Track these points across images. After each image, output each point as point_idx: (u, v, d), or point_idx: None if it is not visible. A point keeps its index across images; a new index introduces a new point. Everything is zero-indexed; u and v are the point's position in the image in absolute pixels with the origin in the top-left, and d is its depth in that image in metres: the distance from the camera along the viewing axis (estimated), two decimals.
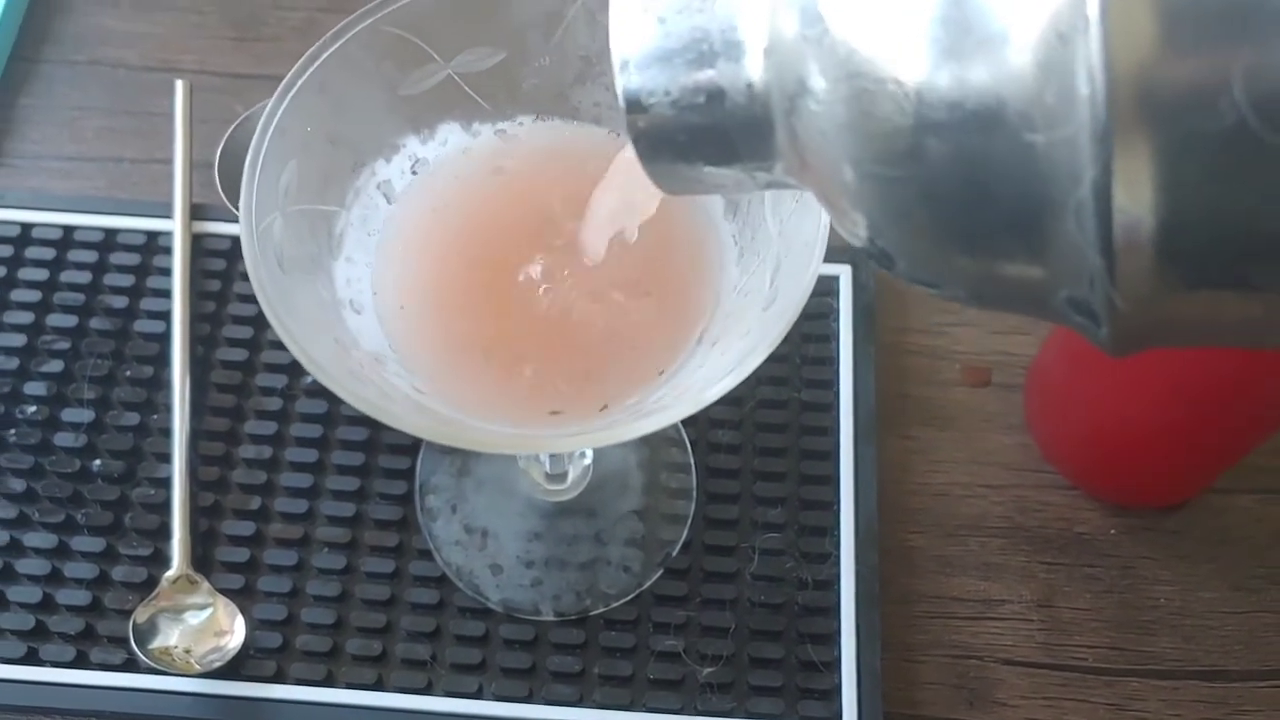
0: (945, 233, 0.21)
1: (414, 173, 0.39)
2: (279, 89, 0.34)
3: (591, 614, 0.47)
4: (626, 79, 0.24)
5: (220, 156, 0.47)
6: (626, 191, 0.33)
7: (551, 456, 0.47)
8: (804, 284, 0.32)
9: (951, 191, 0.20)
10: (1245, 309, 0.19)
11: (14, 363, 0.51)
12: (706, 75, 0.23)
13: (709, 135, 0.24)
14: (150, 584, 0.47)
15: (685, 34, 0.23)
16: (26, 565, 0.47)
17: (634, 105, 0.24)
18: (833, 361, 0.52)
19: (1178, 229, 0.18)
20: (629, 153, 0.31)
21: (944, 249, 0.21)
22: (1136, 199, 0.18)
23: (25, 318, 0.52)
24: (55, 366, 0.51)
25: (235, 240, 0.54)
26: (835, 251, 0.54)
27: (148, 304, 0.53)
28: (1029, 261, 0.20)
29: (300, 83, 0.34)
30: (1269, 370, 0.40)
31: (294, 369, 0.52)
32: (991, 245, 0.20)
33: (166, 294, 0.53)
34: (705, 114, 0.23)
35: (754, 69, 0.23)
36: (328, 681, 0.46)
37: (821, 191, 0.24)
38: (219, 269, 0.54)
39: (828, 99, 0.21)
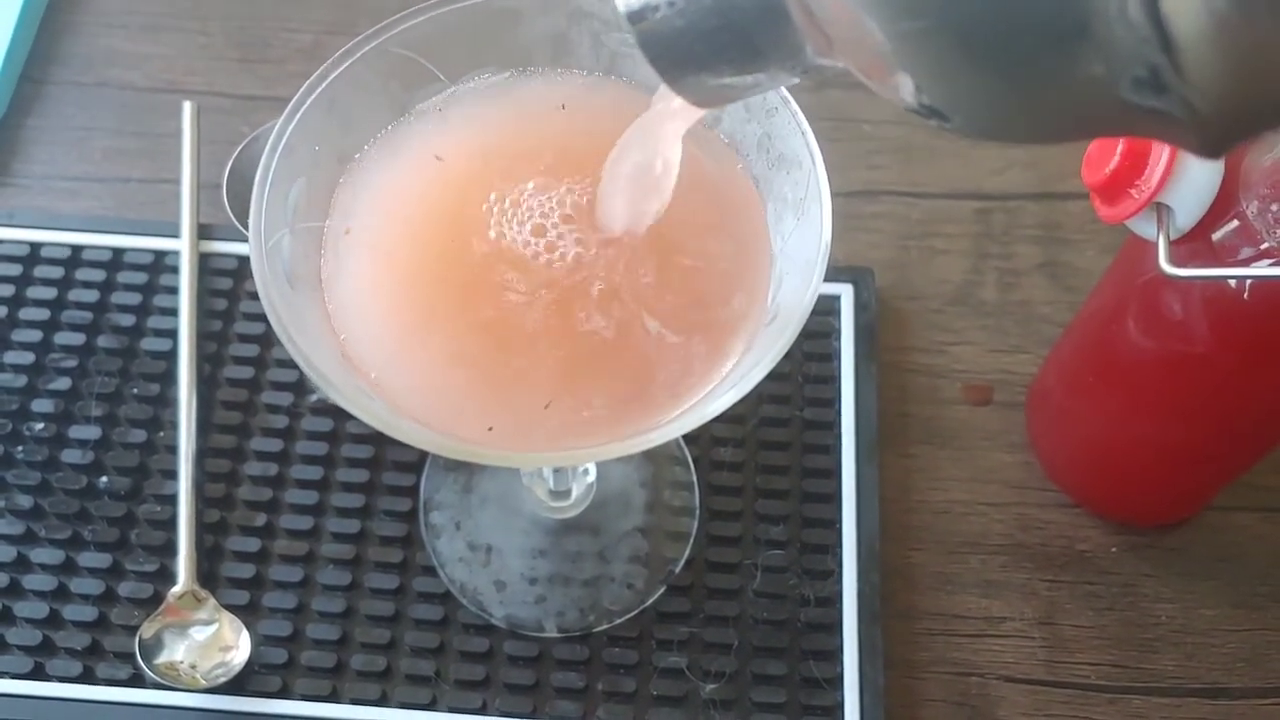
0: (993, 71, 0.19)
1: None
2: (288, 108, 0.34)
3: (595, 630, 0.47)
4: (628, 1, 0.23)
5: (228, 176, 0.48)
6: (643, 153, 0.32)
7: (555, 473, 0.47)
8: (805, 301, 0.32)
9: (986, 24, 0.18)
10: None
11: (22, 380, 0.52)
12: None
13: (726, 37, 0.23)
14: (156, 600, 0.47)
15: None
16: (33, 581, 0.48)
17: (639, 21, 0.23)
18: (834, 380, 0.52)
19: None
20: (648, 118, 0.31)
21: (995, 89, 0.20)
22: None
23: (33, 336, 0.53)
24: (63, 384, 0.52)
25: (242, 259, 0.55)
26: (837, 271, 0.55)
27: (155, 322, 0.53)
28: (1088, 82, 0.18)
29: (309, 102, 0.35)
30: (1265, 387, 0.41)
31: (300, 387, 0.52)
32: (1044, 73, 0.19)
33: (173, 312, 0.53)
34: (714, 13, 0.23)
35: None
36: (332, 697, 0.46)
37: (856, 63, 0.22)
38: (225, 288, 0.54)
39: None
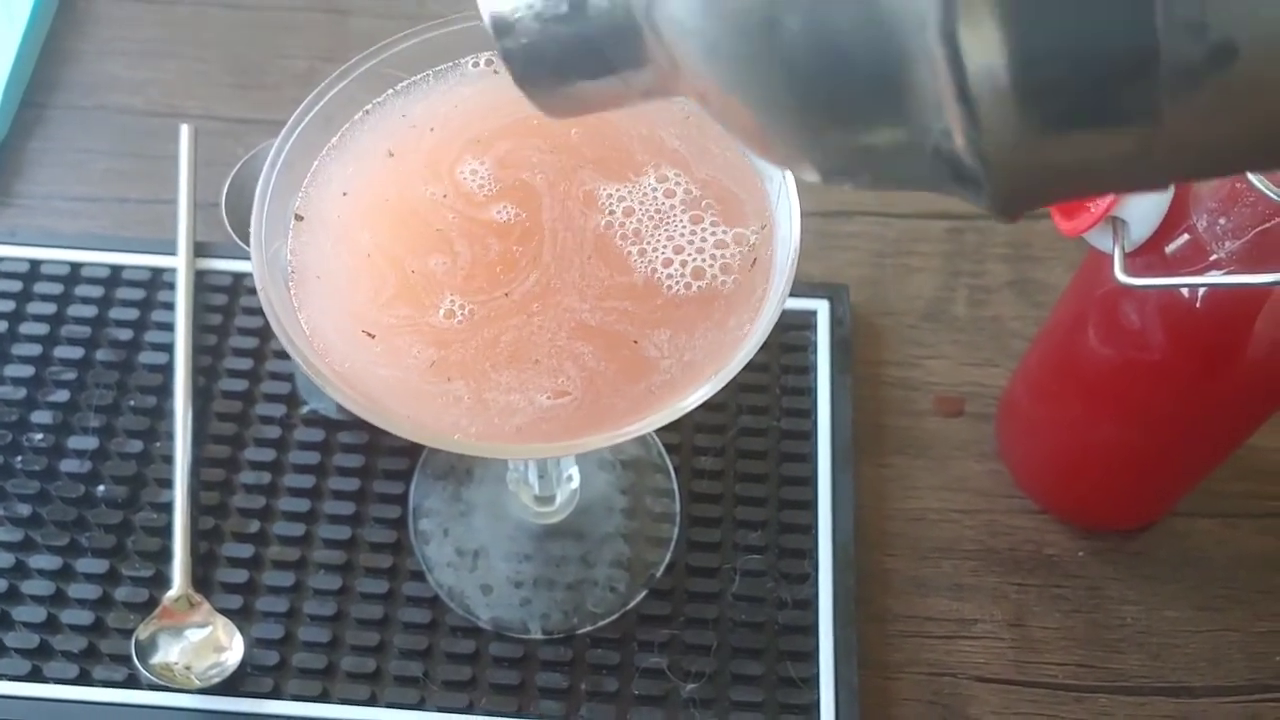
0: (815, 107, 0.20)
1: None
2: (287, 125, 0.36)
3: (579, 632, 0.49)
4: (490, 2, 0.24)
5: (227, 192, 0.50)
6: None
7: (540, 478, 0.49)
8: (774, 310, 0.34)
9: (811, 61, 0.19)
10: (1115, 145, 0.18)
11: (22, 393, 0.53)
12: None
13: (578, 47, 0.24)
14: (151, 604, 0.49)
15: None
16: (31, 586, 0.49)
17: (500, 26, 0.24)
18: (811, 392, 0.54)
19: (1030, 62, 0.17)
20: None
21: (817, 126, 0.21)
22: (983, 38, 0.17)
23: (33, 350, 0.54)
24: (61, 396, 0.53)
25: (236, 276, 0.56)
26: (813, 287, 0.57)
27: (151, 337, 0.55)
28: (897, 123, 0.19)
29: (307, 120, 0.37)
30: (1218, 392, 0.42)
31: (292, 399, 0.54)
32: (860, 114, 0.20)
33: (169, 327, 0.55)
34: (570, 23, 0.24)
35: None
36: (323, 698, 0.47)
37: (694, 89, 0.24)
38: (220, 304, 0.56)
39: None
